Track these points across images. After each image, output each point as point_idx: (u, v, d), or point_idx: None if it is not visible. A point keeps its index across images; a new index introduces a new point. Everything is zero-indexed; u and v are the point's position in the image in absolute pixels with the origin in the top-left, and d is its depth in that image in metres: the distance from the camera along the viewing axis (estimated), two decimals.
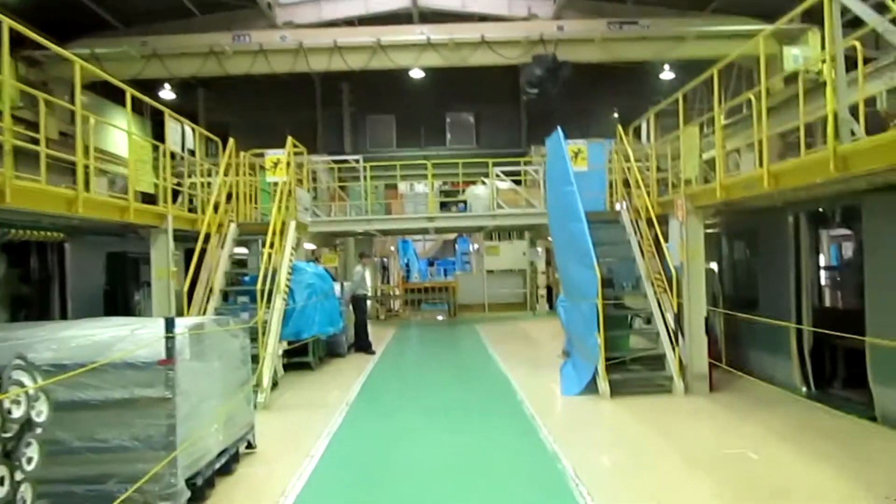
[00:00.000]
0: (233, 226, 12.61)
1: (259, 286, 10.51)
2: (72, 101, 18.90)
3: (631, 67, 24.77)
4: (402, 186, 21.50)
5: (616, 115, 24.63)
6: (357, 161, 20.97)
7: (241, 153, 13.96)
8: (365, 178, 19.56)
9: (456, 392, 11.53)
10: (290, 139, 13.12)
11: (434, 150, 26.33)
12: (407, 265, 36.31)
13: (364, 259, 17.16)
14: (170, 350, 5.54)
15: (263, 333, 10.42)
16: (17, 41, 16.19)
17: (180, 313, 10.34)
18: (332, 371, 13.66)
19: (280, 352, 11.86)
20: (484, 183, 20.22)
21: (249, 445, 7.64)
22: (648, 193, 11.95)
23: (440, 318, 25.41)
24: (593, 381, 10.41)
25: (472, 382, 12.52)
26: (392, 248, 32.00)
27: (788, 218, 10.02)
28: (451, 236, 37.15)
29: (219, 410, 6.57)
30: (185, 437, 5.73)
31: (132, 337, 5.99)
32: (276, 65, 19.71)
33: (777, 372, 10.41)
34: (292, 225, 12.75)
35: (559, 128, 12.03)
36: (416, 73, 22.80)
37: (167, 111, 10.58)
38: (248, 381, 7.65)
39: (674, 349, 10.50)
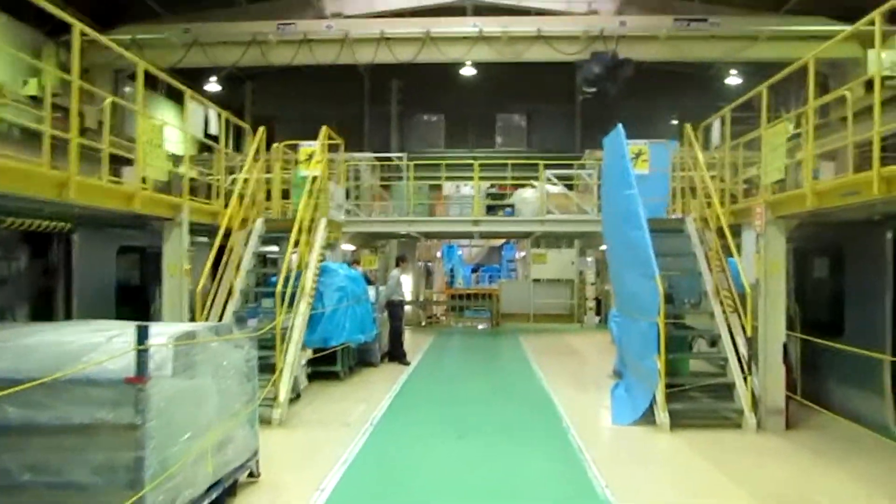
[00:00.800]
0: (259, 221, 11.67)
1: (279, 288, 9.52)
2: (113, 91, 18.64)
3: (694, 71, 23.52)
4: (448, 187, 20.33)
5: (676, 121, 23.28)
6: (401, 158, 19.96)
7: (275, 144, 13.05)
8: (408, 177, 18.54)
9: (493, 414, 10.36)
10: (324, 128, 12.13)
11: (483, 152, 25.30)
12: (451, 271, 35.30)
13: (402, 263, 16.10)
14: (141, 365, 4.56)
15: (283, 341, 9.41)
16: (60, 27, 15.86)
17: (193, 316, 9.42)
18: (360, 382, 12.64)
19: (304, 361, 10.90)
20: (534, 186, 18.98)
21: (251, 475, 6.64)
22: (721, 202, 10.68)
23: (481, 326, 24.27)
24: (650, 409, 9.22)
25: (513, 403, 11.32)
26: (437, 254, 31.00)
27: (887, 234, 8.65)
28: (497, 242, 36.00)
29: (211, 437, 5.57)
30: (160, 471, 4.73)
31: (107, 346, 5.03)
32: (321, 55, 18.91)
33: (864, 409, 9.02)
34: (322, 222, 11.75)
35: (620, 125, 10.82)
36: (468, 71, 21.77)
37: (188, 91, 9.67)
38: (253, 400, 6.63)
39: (745, 378, 9.20)
